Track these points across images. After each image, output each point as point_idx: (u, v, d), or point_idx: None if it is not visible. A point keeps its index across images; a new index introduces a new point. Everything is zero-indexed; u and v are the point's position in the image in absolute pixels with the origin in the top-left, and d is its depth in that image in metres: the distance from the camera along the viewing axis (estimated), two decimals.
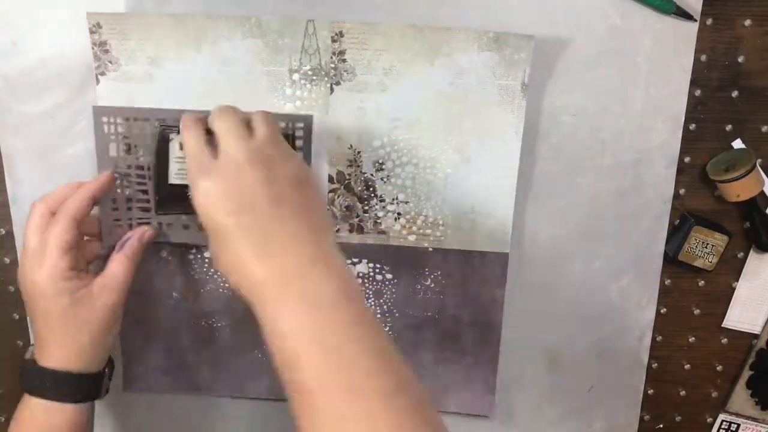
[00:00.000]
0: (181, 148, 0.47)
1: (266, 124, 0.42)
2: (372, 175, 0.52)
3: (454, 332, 0.56)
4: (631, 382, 0.59)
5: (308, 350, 0.36)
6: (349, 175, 0.52)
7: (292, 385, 0.37)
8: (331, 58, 0.49)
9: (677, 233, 0.55)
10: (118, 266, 0.48)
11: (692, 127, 0.53)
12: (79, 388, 0.47)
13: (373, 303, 0.55)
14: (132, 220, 0.51)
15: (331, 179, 0.52)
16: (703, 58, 0.51)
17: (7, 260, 0.55)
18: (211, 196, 0.39)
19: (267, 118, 0.43)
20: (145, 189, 0.50)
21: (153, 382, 0.57)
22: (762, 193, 0.53)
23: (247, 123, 0.43)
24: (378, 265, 0.54)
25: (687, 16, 0.49)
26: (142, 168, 0.50)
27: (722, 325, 0.58)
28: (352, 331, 0.37)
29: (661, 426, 0.62)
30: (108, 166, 0.50)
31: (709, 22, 0.51)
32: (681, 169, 0.54)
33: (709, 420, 0.61)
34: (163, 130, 0.49)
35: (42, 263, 0.45)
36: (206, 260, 0.54)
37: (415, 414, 0.35)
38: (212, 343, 0.56)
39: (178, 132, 0.47)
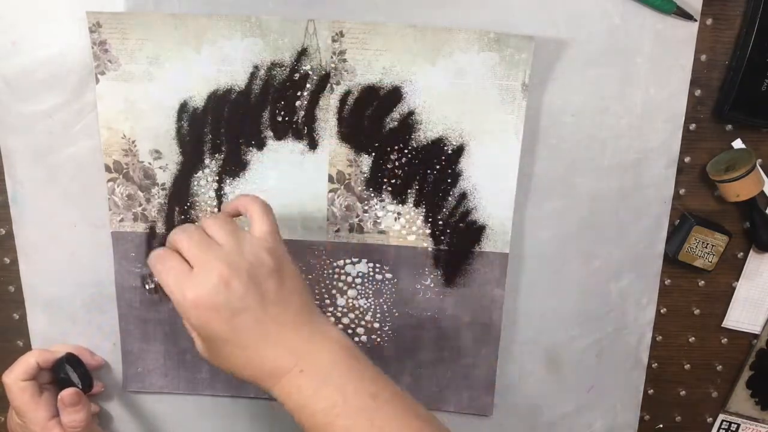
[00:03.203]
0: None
1: (261, 218, 0.43)
2: (372, 175, 0.52)
3: (454, 332, 0.56)
4: (631, 382, 0.58)
5: (339, 419, 0.39)
6: (349, 175, 0.52)
7: None
8: (332, 57, 0.49)
9: (677, 233, 0.55)
10: (72, 417, 0.50)
11: (692, 127, 0.53)
12: None
13: (373, 303, 0.55)
14: None
15: (331, 179, 0.52)
16: (703, 58, 0.51)
17: (7, 260, 0.55)
18: (201, 308, 0.39)
19: (262, 210, 0.43)
20: None
21: (153, 382, 0.57)
22: (762, 193, 0.53)
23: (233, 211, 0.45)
24: (378, 265, 0.54)
25: (687, 16, 0.49)
26: None
27: (722, 325, 0.58)
28: (370, 388, 0.40)
29: (661, 426, 0.62)
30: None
31: (709, 22, 0.51)
32: (681, 169, 0.54)
33: (709, 420, 0.61)
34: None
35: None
36: None
37: None
38: None
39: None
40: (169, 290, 0.40)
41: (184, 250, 0.41)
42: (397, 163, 0.52)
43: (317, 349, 0.41)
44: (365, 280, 0.54)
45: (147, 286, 0.53)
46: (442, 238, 0.53)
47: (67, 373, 0.51)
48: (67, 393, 0.50)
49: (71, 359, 0.52)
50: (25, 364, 0.50)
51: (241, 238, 0.42)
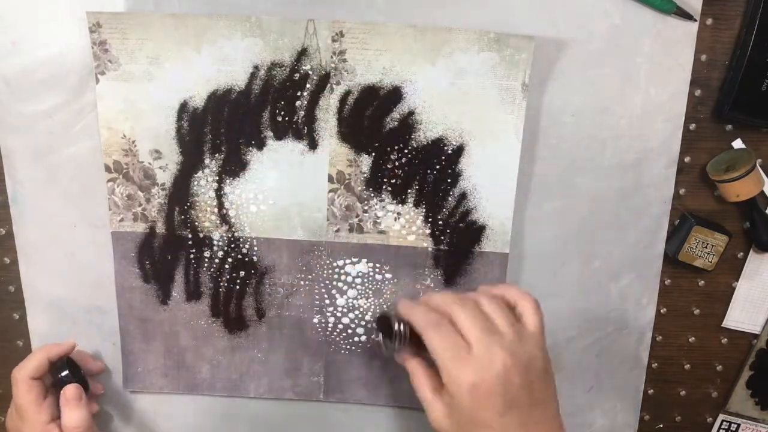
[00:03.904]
0: (396, 332, 0.47)
1: (535, 315, 0.44)
2: (372, 175, 0.52)
3: None
4: (631, 382, 0.59)
5: None
6: (349, 175, 0.52)
7: None
8: (332, 57, 0.49)
9: (677, 233, 0.55)
10: (74, 413, 0.50)
11: (692, 127, 0.53)
12: None
13: (373, 303, 0.55)
14: None
15: (331, 179, 0.52)
16: (703, 58, 0.51)
17: (7, 260, 0.55)
18: (478, 393, 0.40)
19: (536, 308, 0.44)
20: None
21: (153, 382, 0.57)
22: (762, 193, 0.53)
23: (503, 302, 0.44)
24: (378, 265, 0.54)
25: (687, 16, 0.49)
26: None
27: (722, 325, 0.58)
28: None
29: (661, 426, 0.62)
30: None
31: (709, 22, 0.51)
32: (681, 169, 0.54)
33: (709, 420, 0.61)
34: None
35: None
36: (205, 260, 0.54)
37: None
38: (212, 343, 0.56)
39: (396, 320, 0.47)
40: (444, 364, 0.41)
41: (464, 327, 0.41)
42: (397, 163, 0.52)
43: None
44: (365, 280, 0.54)
45: (377, 336, 0.49)
46: (442, 238, 0.53)
47: (67, 373, 0.51)
48: (68, 388, 0.50)
49: (69, 363, 0.52)
50: (37, 360, 0.50)
51: (521, 331, 0.42)
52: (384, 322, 0.48)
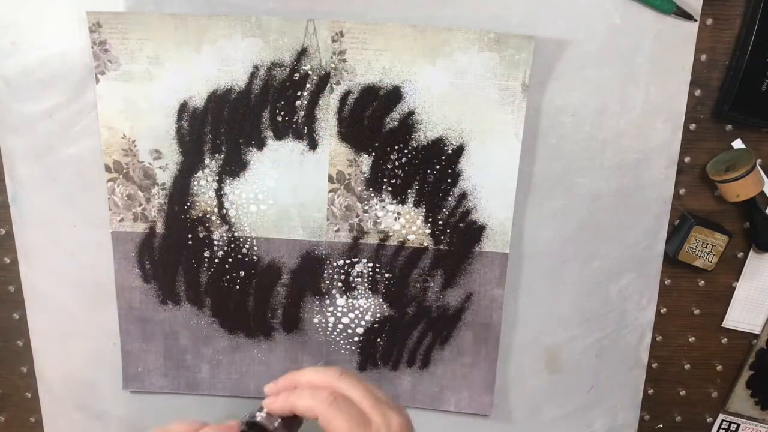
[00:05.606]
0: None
1: (401, 420, 0.43)
2: (372, 175, 0.52)
3: (454, 332, 0.56)
4: (631, 382, 0.59)
5: None
6: (349, 175, 0.52)
7: None
8: (332, 57, 0.49)
9: (677, 233, 0.55)
10: None
11: (692, 127, 0.53)
12: None
13: (373, 303, 0.55)
14: None
15: (331, 179, 0.52)
16: (703, 58, 0.51)
17: (7, 260, 0.55)
18: None
19: (403, 419, 0.44)
20: None
21: (153, 382, 0.57)
22: (762, 193, 0.53)
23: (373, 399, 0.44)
24: (378, 265, 0.54)
25: (687, 16, 0.49)
26: None
27: (722, 325, 0.58)
28: None
29: (661, 426, 0.62)
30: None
31: (709, 22, 0.51)
32: (681, 169, 0.54)
33: (709, 420, 0.61)
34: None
35: None
36: (205, 260, 0.54)
37: None
38: (212, 343, 0.56)
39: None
40: None
41: (356, 399, 0.42)
42: (397, 163, 0.52)
43: None
44: (365, 280, 0.54)
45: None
46: (442, 238, 0.53)
47: None
48: None
49: None
50: None
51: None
52: (256, 428, 0.45)
